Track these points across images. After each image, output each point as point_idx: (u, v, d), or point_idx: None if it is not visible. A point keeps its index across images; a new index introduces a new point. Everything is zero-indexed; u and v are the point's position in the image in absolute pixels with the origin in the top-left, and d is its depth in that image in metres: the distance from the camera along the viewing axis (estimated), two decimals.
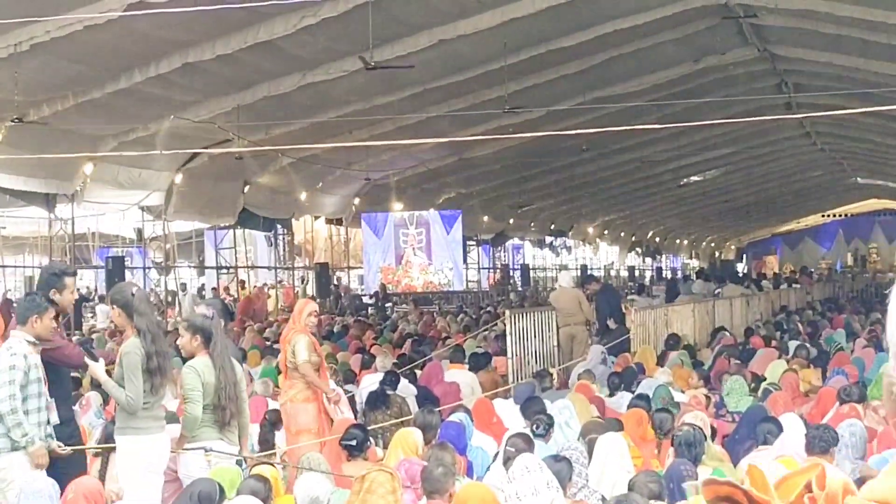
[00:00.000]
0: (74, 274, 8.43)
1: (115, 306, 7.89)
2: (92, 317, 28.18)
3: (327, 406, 10.48)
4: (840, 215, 61.46)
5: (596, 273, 48.69)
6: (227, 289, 32.86)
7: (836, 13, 19.02)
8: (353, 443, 8.81)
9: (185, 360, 8.50)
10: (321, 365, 10.72)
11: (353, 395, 13.49)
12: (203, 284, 35.10)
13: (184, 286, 32.21)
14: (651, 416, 9.68)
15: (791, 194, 54.04)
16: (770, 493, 1.24)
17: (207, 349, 8.00)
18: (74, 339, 14.96)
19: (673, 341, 17.61)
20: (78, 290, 10.72)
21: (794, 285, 34.25)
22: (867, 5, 18.24)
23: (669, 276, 47.26)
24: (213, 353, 7.97)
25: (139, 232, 31.28)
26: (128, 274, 26.78)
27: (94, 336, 21.18)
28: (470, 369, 14.67)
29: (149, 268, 32.18)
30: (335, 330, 22.73)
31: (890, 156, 40.47)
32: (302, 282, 36.49)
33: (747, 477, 1.27)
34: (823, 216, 62.05)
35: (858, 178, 50.71)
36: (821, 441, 7.62)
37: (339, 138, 23.16)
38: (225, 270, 34.34)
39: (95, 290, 34.06)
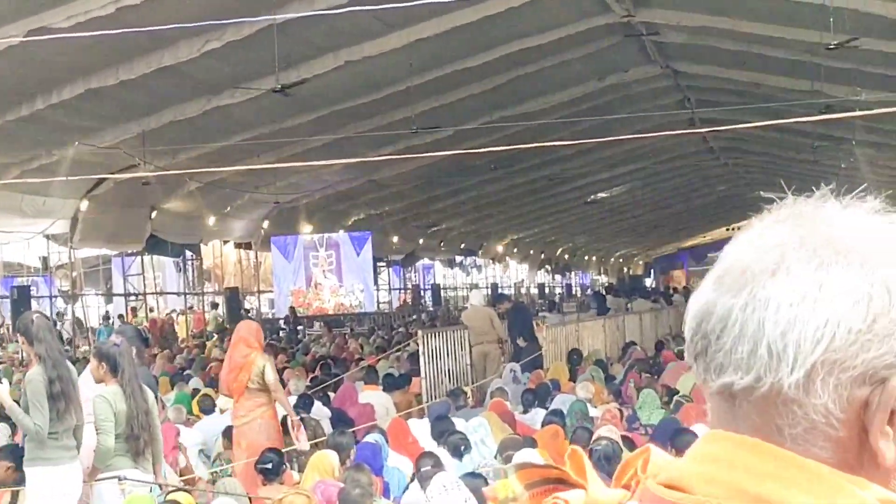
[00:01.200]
0: None
1: (19, 335, 7.79)
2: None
3: (291, 430, 10.79)
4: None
5: (506, 291, 48.91)
6: (133, 311, 32.49)
7: (737, 30, 19.33)
8: (269, 466, 8.76)
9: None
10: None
11: None
12: (107, 311, 34.60)
13: (107, 315, 31.85)
14: (566, 431, 9.75)
15: (696, 209, 54.75)
16: (586, 477, 1.26)
17: (116, 377, 7.90)
18: None
19: (576, 356, 17.79)
20: None
21: None
22: (766, 21, 18.58)
23: (591, 292, 47.65)
24: (122, 381, 7.88)
25: (44, 260, 30.82)
26: (34, 303, 26.37)
27: (0, 366, 20.83)
28: (384, 390, 14.67)
29: (55, 296, 31.70)
30: None
31: (791, 169, 41.18)
32: (213, 307, 36.19)
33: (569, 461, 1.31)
34: (728, 230, 62.77)
35: (761, 192, 51.45)
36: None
37: (247, 162, 23.02)
38: (133, 297, 33.95)
39: (2, 319, 33.49)
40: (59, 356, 7.92)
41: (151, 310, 32.66)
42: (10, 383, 13.62)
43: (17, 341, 7.54)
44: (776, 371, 1.14)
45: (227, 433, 11.37)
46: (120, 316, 32.21)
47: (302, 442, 10.81)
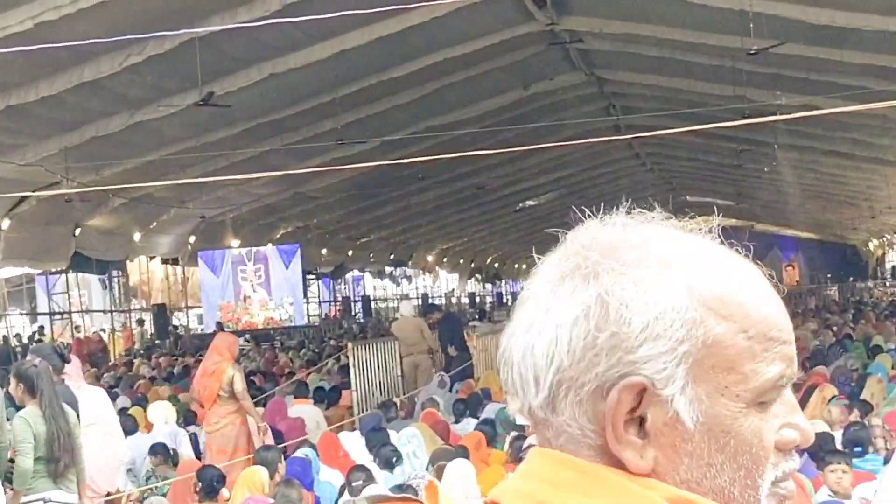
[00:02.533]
0: None
1: None
2: None
3: (254, 435, 11.58)
4: None
5: (437, 301, 48.91)
6: (41, 329, 32.08)
7: (659, 36, 19.51)
8: (211, 484, 8.66)
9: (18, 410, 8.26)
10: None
11: (195, 436, 13.30)
12: (35, 331, 34.14)
13: (37, 333, 31.47)
14: (497, 440, 9.73)
15: (624, 214, 55.07)
16: None
17: (34, 398, 7.78)
18: None
19: None
20: None
21: None
22: (688, 28, 18.75)
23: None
24: (42, 403, 7.75)
25: None
26: None
27: None
28: (315, 403, 14.59)
29: None
30: (175, 371, 22.37)
31: (717, 174, 41.64)
32: (140, 324, 35.83)
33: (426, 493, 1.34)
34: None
35: (688, 197, 51.98)
36: None
37: (172, 176, 22.83)
38: (59, 316, 33.51)
39: None
40: None
41: (77, 328, 32.24)
42: None
43: None
44: (526, 394, 1.21)
45: (155, 450, 11.25)
46: (34, 335, 31.79)
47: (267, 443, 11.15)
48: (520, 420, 1.26)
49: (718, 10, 16.59)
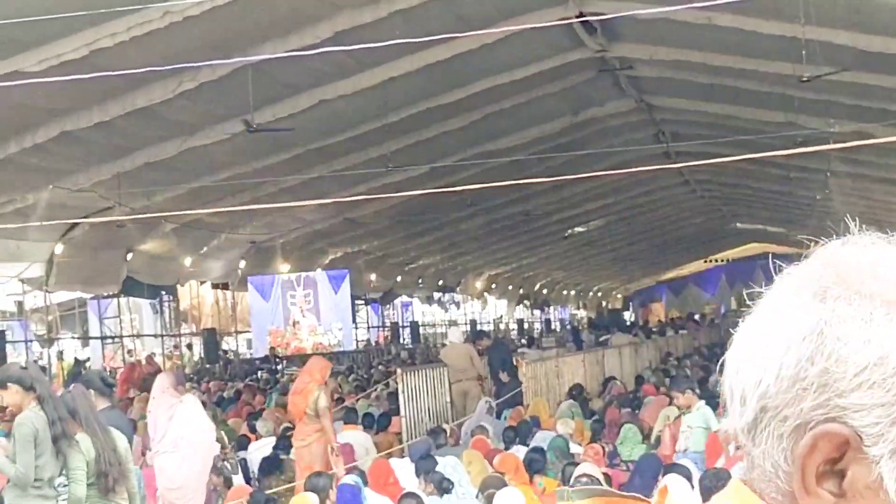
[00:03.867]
0: None
1: (9, 384, 7.66)
2: None
3: (330, 456, 12.20)
4: (722, 260, 62.50)
5: (485, 327, 48.91)
6: (76, 361, 32.27)
7: (710, 63, 19.41)
8: None
9: None
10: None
11: (244, 461, 13.33)
12: (89, 358, 34.37)
13: (79, 361, 31.69)
14: (547, 468, 9.69)
15: (673, 242, 54.85)
16: None
17: (77, 423, 7.84)
18: None
19: (576, 391, 17.76)
20: None
21: (681, 331, 34.69)
22: (739, 54, 18.65)
23: (570, 327, 47.62)
24: (82, 424, 7.82)
25: (19, 304, 30.63)
26: (9, 348, 26.20)
27: None
28: (364, 429, 14.59)
29: (31, 341, 31.48)
30: (226, 396, 22.45)
31: (767, 200, 41.35)
32: (189, 348, 36.01)
33: None
34: (706, 262, 63.04)
35: (738, 224, 51.69)
36: (716, 485, 7.67)
37: (223, 202, 22.98)
38: (110, 340, 33.75)
39: None
40: (57, 397, 7.98)
41: (130, 352, 32.45)
42: None
43: None
44: (733, 414, 1.12)
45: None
46: (76, 362, 31.99)
47: (338, 468, 11.80)
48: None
49: (770, 36, 16.49)
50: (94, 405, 8.23)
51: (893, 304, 1.04)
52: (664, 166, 24.25)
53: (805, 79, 16.24)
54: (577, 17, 17.25)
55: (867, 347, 1.03)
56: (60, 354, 29.16)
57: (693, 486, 8.19)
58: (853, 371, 1.02)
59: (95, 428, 7.84)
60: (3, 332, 28.28)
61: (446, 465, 10.04)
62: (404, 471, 10.63)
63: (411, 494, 8.27)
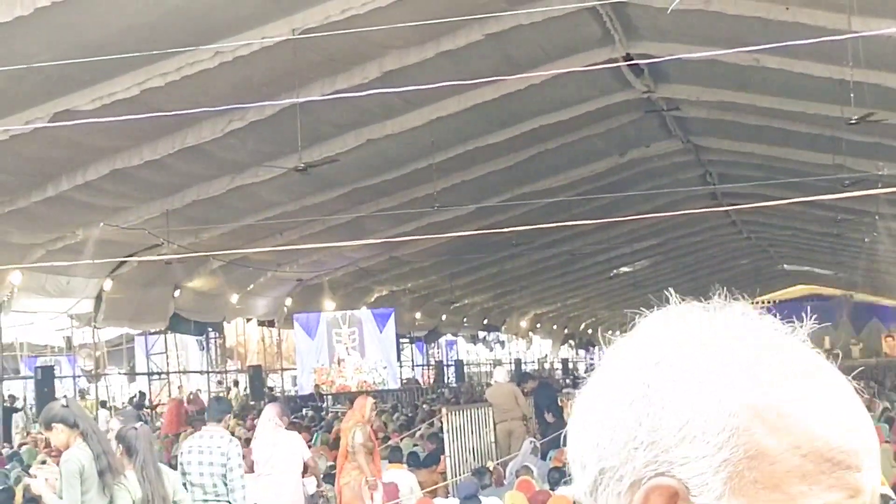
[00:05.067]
0: None
1: (54, 425, 7.73)
2: (23, 429, 27.66)
3: (363, 491, 12.58)
4: (769, 302, 62.06)
5: (530, 366, 48.72)
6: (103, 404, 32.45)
7: (757, 104, 19.41)
8: None
9: None
10: (374, 451, 13.12)
11: None
12: (137, 393, 34.53)
13: (137, 397, 31.97)
14: None
15: (720, 283, 53.89)
16: None
17: (131, 461, 7.88)
18: (4, 451, 14.68)
19: None
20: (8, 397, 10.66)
21: None
22: (786, 96, 18.62)
23: None
24: (136, 465, 7.86)
25: (68, 340, 30.86)
26: (57, 383, 26.38)
27: (23, 448, 20.76)
28: (409, 468, 14.57)
29: (78, 376, 31.69)
30: None
31: (814, 242, 41.11)
32: (235, 385, 36.12)
33: None
34: (753, 303, 62.15)
35: (785, 265, 51.39)
36: None
37: (270, 240, 23.12)
38: (157, 376, 33.92)
39: (24, 399, 33.44)
40: (101, 431, 8.03)
41: (181, 388, 32.60)
42: (32, 465, 13.67)
43: (40, 426, 7.52)
44: (576, 479, 1.16)
45: None
46: (133, 398, 32.16)
47: (376, 499, 12.35)
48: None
49: (818, 78, 16.47)
50: (153, 446, 8.27)
51: (714, 362, 1.10)
52: (711, 209, 24.26)
53: (853, 121, 16.18)
54: (625, 58, 17.30)
55: (687, 404, 1.08)
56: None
57: None
58: (676, 427, 1.08)
59: (151, 470, 7.87)
60: (51, 367, 28.48)
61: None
62: None
63: None
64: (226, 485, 9.94)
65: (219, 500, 9.97)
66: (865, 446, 1.10)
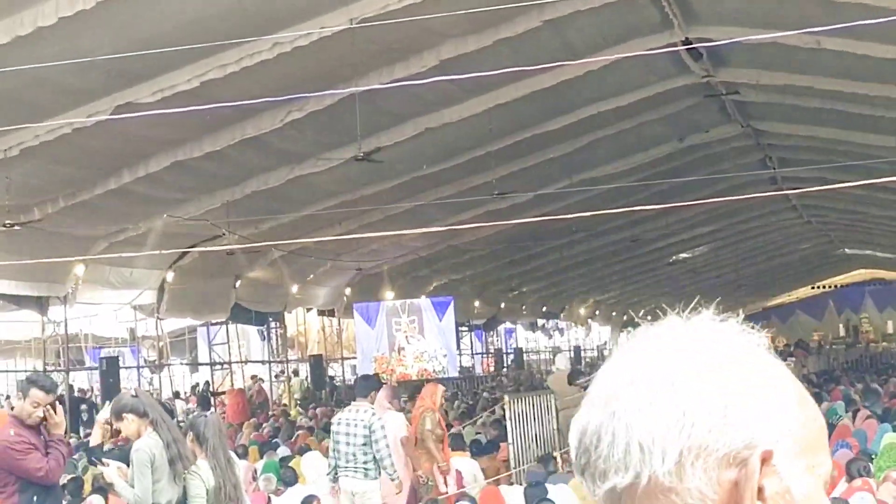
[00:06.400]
0: (46, 390, 8.04)
1: (124, 415, 7.82)
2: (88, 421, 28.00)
3: (436, 476, 12.83)
4: (830, 287, 61.52)
5: (589, 353, 48.59)
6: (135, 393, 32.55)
7: (817, 87, 19.21)
8: None
9: None
10: (444, 438, 13.41)
11: None
12: (199, 383, 34.82)
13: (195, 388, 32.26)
14: None
15: (780, 267, 54.15)
16: None
17: (202, 450, 7.95)
18: (72, 441, 14.85)
19: None
20: (77, 390, 10.79)
21: (788, 359, 34.17)
22: (847, 78, 18.42)
23: None
24: (207, 454, 7.93)
25: (132, 331, 31.18)
26: (122, 373, 26.66)
27: (90, 437, 21.00)
28: (472, 456, 14.61)
29: (142, 367, 32.00)
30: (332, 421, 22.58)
31: (875, 226, 40.67)
32: (295, 374, 36.31)
33: None
34: (813, 288, 62.05)
35: (846, 249, 50.88)
36: None
37: (329, 230, 23.19)
38: (219, 366, 34.18)
39: (91, 390, 33.81)
40: (171, 419, 8.12)
41: (253, 378, 32.88)
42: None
43: (111, 416, 7.58)
44: (650, 464, 1.27)
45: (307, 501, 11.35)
46: (196, 386, 32.36)
47: (448, 487, 12.55)
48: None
49: (881, 60, 16.28)
50: (225, 434, 8.37)
51: (760, 360, 1.33)
52: (771, 193, 24.05)
53: None
54: (684, 43, 17.19)
55: (765, 386, 1.29)
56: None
57: None
58: (762, 403, 1.28)
59: (221, 458, 7.95)
60: (115, 358, 28.78)
61: (557, 493, 10.02)
62: (514, 498, 10.63)
63: None
64: (366, 454, 11.21)
65: (357, 468, 11.31)
66: None
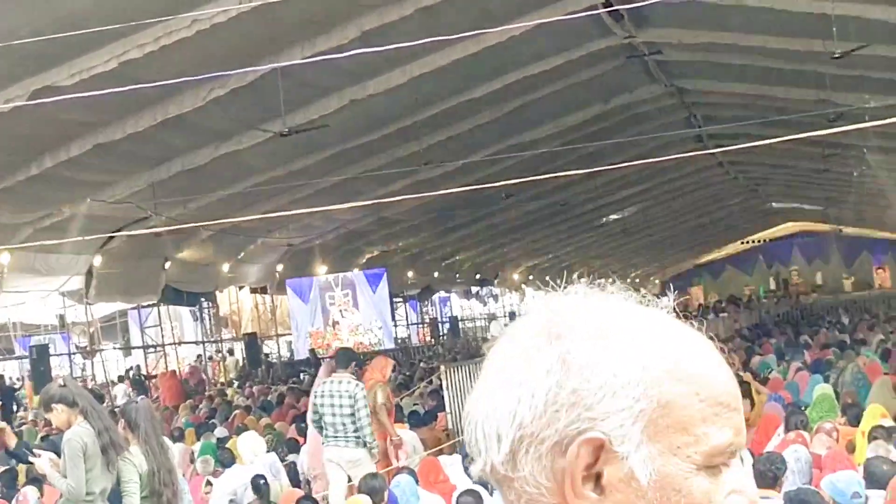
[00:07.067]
0: None
1: (53, 405, 7.73)
2: (22, 409, 27.69)
3: (388, 449, 12.88)
4: (759, 241, 62.20)
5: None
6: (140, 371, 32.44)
7: (739, 43, 19.29)
8: None
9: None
10: (391, 411, 13.48)
11: (294, 464, 13.35)
12: (132, 367, 34.53)
13: (133, 370, 31.97)
14: None
15: (710, 224, 54.61)
16: None
17: (135, 435, 7.88)
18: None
19: None
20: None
21: (720, 314, 34.52)
22: (768, 33, 18.53)
23: None
24: (139, 439, 7.87)
25: (61, 318, 30.80)
26: (53, 360, 26.35)
27: (23, 428, 20.77)
28: (410, 427, 14.60)
29: (73, 353, 31.65)
30: (270, 399, 22.51)
31: (801, 179, 41.10)
32: (230, 353, 36.12)
33: None
34: (743, 243, 62.72)
35: (773, 204, 51.41)
36: (770, 471, 7.61)
37: (258, 206, 23.02)
38: (152, 349, 33.90)
39: (21, 379, 33.42)
40: (101, 407, 8.05)
41: (186, 360, 32.67)
42: (34, 442, 13.66)
43: (40, 407, 7.54)
44: (489, 451, 1.28)
45: (256, 482, 11.30)
46: (129, 371, 32.10)
47: (400, 461, 12.48)
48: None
49: (800, 14, 16.38)
50: (158, 420, 8.31)
51: (621, 329, 1.27)
52: (697, 153, 24.14)
53: (837, 55, 16.12)
54: (604, 5, 17.19)
55: (607, 365, 1.24)
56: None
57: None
58: (598, 385, 1.23)
59: (154, 443, 7.89)
60: (46, 345, 28.45)
61: None
62: (454, 468, 10.62)
63: (471, 492, 8.24)
64: (354, 423, 11.56)
65: (347, 438, 11.65)
66: (738, 393, 1.31)
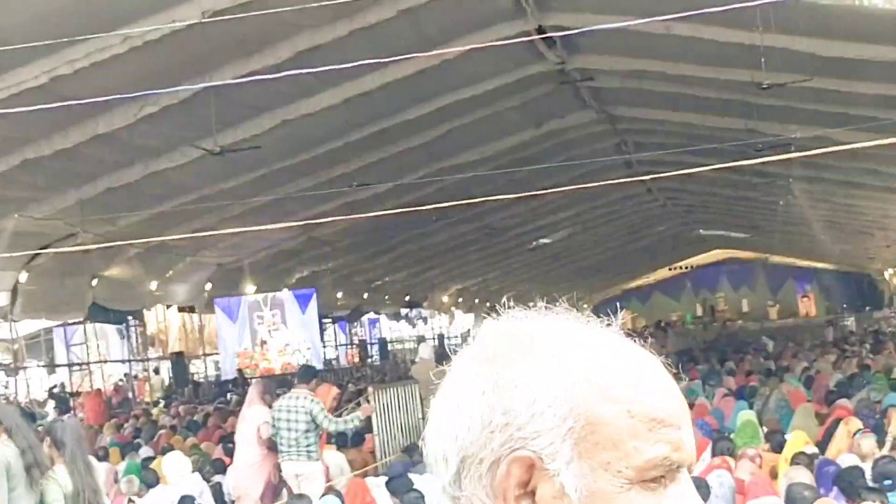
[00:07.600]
0: None
1: None
2: None
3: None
4: (687, 267, 62.78)
5: (454, 342, 48.75)
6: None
7: (670, 72, 19.53)
8: None
9: None
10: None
11: (219, 485, 13.28)
12: (55, 384, 34.11)
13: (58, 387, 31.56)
14: None
15: (638, 250, 55.04)
16: None
17: (60, 454, 7.79)
18: None
19: None
20: None
21: (648, 339, 34.72)
22: (698, 63, 18.77)
23: None
24: (66, 459, 7.77)
25: None
26: None
27: None
28: (337, 449, 14.56)
29: None
30: (196, 419, 22.35)
31: (730, 207, 41.57)
32: (156, 372, 35.80)
33: None
34: (671, 269, 63.29)
35: (701, 231, 51.96)
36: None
37: (188, 225, 22.87)
38: (77, 367, 33.51)
39: None
40: (26, 426, 7.95)
41: (111, 378, 32.29)
42: None
43: None
44: (439, 473, 1.33)
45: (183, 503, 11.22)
46: (54, 388, 31.72)
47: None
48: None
49: (729, 44, 16.61)
50: (84, 439, 8.23)
51: (551, 349, 1.30)
52: (627, 180, 24.34)
53: (765, 86, 16.37)
54: (537, 30, 17.32)
55: (534, 385, 1.27)
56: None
57: None
58: (525, 406, 1.26)
59: (79, 463, 7.80)
60: None
61: (423, 483, 10.02)
62: (381, 489, 10.61)
63: None
64: (308, 438, 12.04)
65: (300, 452, 12.10)
66: (681, 409, 1.33)
